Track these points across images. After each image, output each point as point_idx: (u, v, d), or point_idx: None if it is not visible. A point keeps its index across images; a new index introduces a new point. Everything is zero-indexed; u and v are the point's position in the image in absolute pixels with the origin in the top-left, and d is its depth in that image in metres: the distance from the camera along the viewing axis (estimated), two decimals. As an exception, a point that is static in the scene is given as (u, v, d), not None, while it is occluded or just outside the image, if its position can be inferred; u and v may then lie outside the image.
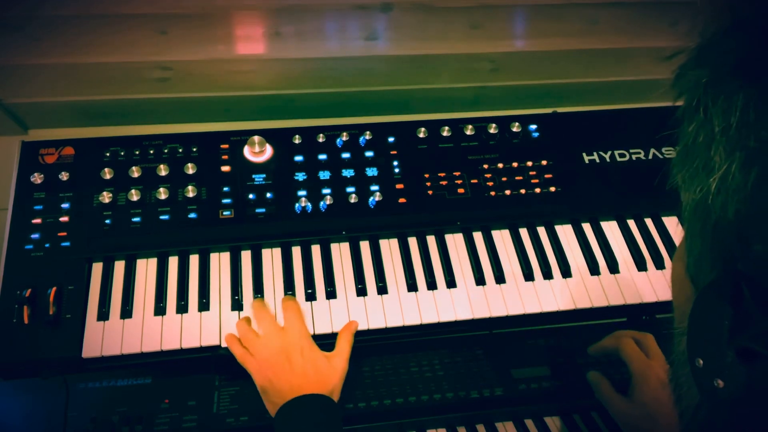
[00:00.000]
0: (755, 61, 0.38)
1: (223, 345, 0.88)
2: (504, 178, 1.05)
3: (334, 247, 0.99)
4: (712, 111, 0.40)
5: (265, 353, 0.84)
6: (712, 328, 0.42)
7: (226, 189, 1.00)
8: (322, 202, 0.99)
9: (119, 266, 0.95)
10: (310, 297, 0.93)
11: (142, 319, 0.90)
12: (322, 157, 1.04)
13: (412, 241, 1.01)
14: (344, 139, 1.05)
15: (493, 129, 1.08)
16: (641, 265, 1.00)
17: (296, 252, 0.98)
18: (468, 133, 1.08)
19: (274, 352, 0.84)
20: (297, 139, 1.05)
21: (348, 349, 0.87)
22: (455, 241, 1.01)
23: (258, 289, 0.94)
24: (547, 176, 1.06)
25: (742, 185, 0.38)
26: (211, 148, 1.03)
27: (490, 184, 1.04)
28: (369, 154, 1.05)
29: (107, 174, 0.98)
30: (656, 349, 0.90)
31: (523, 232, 1.03)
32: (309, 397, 0.80)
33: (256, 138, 1.01)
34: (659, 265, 1.01)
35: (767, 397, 0.39)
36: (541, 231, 1.03)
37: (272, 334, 0.86)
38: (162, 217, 0.96)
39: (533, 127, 1.10)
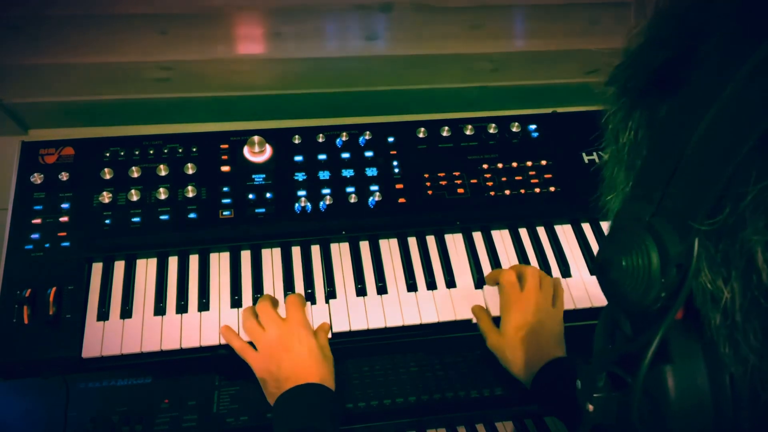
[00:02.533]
0: (651, 82, 0.38)
1: (222, 342, 0.88)
2: (504, 178, 1.05)
3: (334, 247, 0.99)
4: (617, 128, 0.40)
5: (264, 344, 0.85)
6: (596, 352, 0.42)
7: (225, 189, 1.00)
8: (321, 202, 0.99)
9: (119, 266, 0.95)
10: (310, 297, 0.93)
11: (142, 319, 0.90)
12: (322, 157, 1.04)
13: (412, 241, 1.01)
14: (344, 139, 1.05)
15: (492, 129, 1.08)
16: (641, 265, 1.00)
17: (296, 252, 0.98)
18: (468, 133, 1.08)
19: (273, 342, 0.84)
20: (297, 139, 1.05)
21: (327, 340, 0.89)
22: (455, 241, 1.01)
23: (258, 289, 0.94)
24: (546, 176, 1.06)
25: None
26: (211, 148, 1.03)
27: (490, 184, 1.04)
28: (369, 154, 1.05)
29: (107, 174, 0.98)
30: (530, 283, 0.91)
31: (523, 232, 1.03)
32: (305, 386, 0.80)
33: (256, 138, 1.02)
34: (659, 265, 1.00)
35: (631, 425, 0.38)
36: (541, 231, 1.03)
37: (272, 325, 0.86)
38: (162, 217, 0.96)
39: (533, 127, 1.10)
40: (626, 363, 0.38)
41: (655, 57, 0.37)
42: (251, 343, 0.87)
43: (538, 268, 0.97)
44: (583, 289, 0.97)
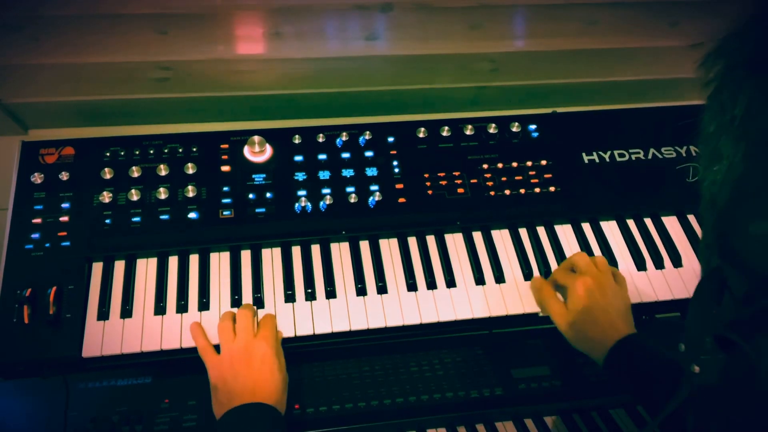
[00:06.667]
0: (764, 55, 0.38)
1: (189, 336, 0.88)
2: (504, 178, 1.05)
3: (334, 247, 0.99)
4: (724, 101, 0.40)
5: (228, 350, 0.83)
6: (699, 317, 0.43)
7: (226, 189, 1.00)
8: (322, 202, 0.99)
9: (119, 266, 0.95)
10: (310, 297, 0.93)
11: (142, 319, 0.90)
12: (322, 157, 1.04)
13: (412, 241, 1.01)
14: (344, 139, 1.05)
15: (492, 129, 1.08)
16: (641, 265, 1.00)
17: (296, 252, 0.98)
18: (468, 133, 1.08)
19: (238, 351, 0.83)
20: (297, 139, 1.05)
21: (284, 361, 0.87)
22: (455, 241, 1.01)
23: (258, 289, 0.94)
24: (546, 176, 1.06)
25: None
26: (211, 148, 1.04)
27: (490, 184, 1.04)
28: (369, 154, 1.05)
29: (107, 174, 0.98)
30: (583, 265, 0.91)
31: (523, 232, 1.03)
32: (259, 406, 0.79)
33: (256, 138, 1.02)
34: (659, 265, 1.01)
35: (741, 386, 0.39)
36: (541, 231, 1.03)
37: (243, 335, 0.85)
38: (162, 217, 0.96)
39: (533, 127, 1.10)
40: (737, 327, 0.39)
41: None
42: (217, 347, 0.86)
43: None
44: (583, 288, 0.97)
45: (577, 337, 0.88)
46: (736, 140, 0.40)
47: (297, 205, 0.98)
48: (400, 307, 0.93)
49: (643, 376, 0.80)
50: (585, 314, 0.87)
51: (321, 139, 1.05)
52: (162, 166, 1.00)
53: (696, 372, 0.42)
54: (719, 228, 0.40)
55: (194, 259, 0.96)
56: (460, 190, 1.03)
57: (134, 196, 0.96)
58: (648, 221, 1.06)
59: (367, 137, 1.05)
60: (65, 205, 0.96)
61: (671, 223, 1.06)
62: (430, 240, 1.01)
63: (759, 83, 0.39)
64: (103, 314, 0.90)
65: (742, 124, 0.40)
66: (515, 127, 1.08)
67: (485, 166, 1.06)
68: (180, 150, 1.02)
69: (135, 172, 0.99)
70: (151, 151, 1.02)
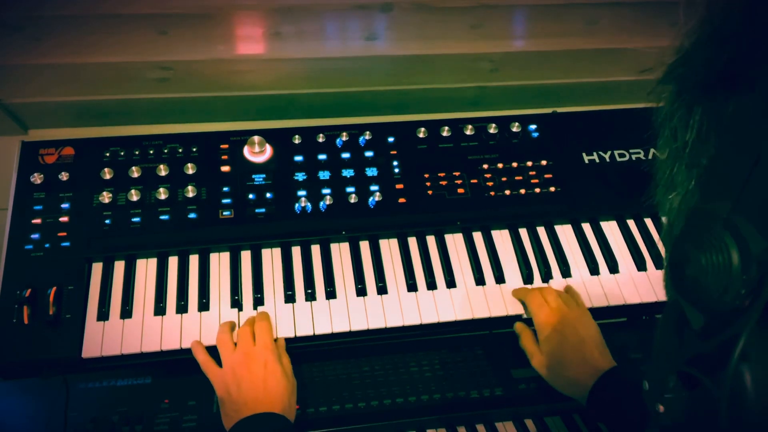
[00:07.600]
0: (714, 79, 0.38)
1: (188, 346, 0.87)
2: (504, 178, 1.05)
3: (334, 247, 0.99)
4: (676, 127, 0.40)
5: (229, 361, 0.83)
6: (662, 353, 0.42)
7: (225, 189, 1.00)
8: (321, 202, 0.99)
9: (119, 266, 0.95)
10: (310, 297, 0.93)
11: (142, 319, 0.90)
12: (322, 157, 1.04)
13: (412, 241, 1.01)
14: (344, 139, 1.05)
15: (493, 129, 1.08)
16: (641, 265, 1.00)
17: (296, 252, 0.98)
18: (468, 133, 1.08)
19: (238, 361, 0.82)
20: (297, 139, 1.05)
21: (290, 366, 0.87)
22: (455, 241, 1.01)
23: (258, 289, 0.94)
24: (547, 176, 1.06)
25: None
26: (211, 148, 1.04)
27: (490, 184, 1.04)
28: (369, 154, 1.05)
29: (107, 174, 0.98)
30: (555, 302, 0.90)
31: (523, 232, 1.03)
32: (265, 416, 0.78)
33: (256, 138, 1.02)
34: (659, 265, 1.01)
35: (706, 424, 0.38)
36: (541, 231, 1.03)
37: (243, 344, 0.84)
38: (162, 217, 0.96)
39: (533, 127, 1.10)
40: (699, 362, 0.38)
41: (718, 54, 0.37)
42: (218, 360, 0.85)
43: (548, 285, 0.97)
44: (584, 289, 0.97)
45: (554, 380, 0.87)
46: (688, 168, 0.40)
47: (297, 205, 0.98)
48: (400, 308, 0.93)
49: (629, 412, 0.76)
50: (559, 358, 0.85)
51: (321, 139, 1.05)
52: (162, 166, 1.00)
53: (661, 412, 0.41)
54: (674, 258, 0.39)
55: (194, 260, 0.96)
56: (461, 190, 1.03)
57: (134, 196, 0.96)
58: (648, 221, 1.06)
59: (367, 137, 1.05)
60: (65, 206, 0.96)
61: (671, 223, 1.06)
62: (430, 240, 1.01)
63: (708, 108, 0.38)
64: (103, 315, 0.90)
65: (692, 152, 0.39)
66: (515, 127, 1.08)
67: (485, 166, 1.06)
68: (180, 150, 1.02)
69: (135, 173, 0.99)
70: (151, 151, 1.02)
